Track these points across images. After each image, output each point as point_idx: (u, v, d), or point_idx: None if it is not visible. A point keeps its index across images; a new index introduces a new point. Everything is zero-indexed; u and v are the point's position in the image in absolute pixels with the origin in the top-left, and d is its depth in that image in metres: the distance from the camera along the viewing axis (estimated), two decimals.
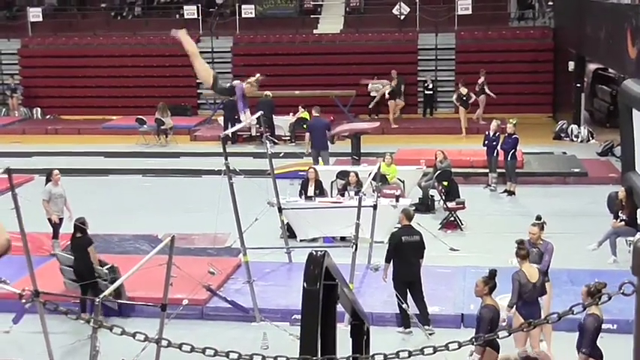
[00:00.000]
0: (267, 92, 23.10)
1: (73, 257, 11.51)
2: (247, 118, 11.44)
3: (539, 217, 10.92)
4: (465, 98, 23.50)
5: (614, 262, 13.06)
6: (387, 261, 10.88)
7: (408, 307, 10.62)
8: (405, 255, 10.72)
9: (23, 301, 9.39)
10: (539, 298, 9.55)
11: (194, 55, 10.91)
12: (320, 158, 19.21)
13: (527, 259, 9.47)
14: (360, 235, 11.59)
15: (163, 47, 28.48)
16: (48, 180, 13.93)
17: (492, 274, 8.82)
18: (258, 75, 11.20)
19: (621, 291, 4.27)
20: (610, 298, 4.42)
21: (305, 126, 21.89)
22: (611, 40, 18.52)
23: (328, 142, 19.61)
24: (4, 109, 28.82)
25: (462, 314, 11.17)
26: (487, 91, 24.16)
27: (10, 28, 29.86)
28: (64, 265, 11.85)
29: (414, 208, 15.42)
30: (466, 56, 26.66)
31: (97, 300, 8.18)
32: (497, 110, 23.66)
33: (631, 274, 4.15)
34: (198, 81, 28.20)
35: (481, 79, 24.24)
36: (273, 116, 22.60)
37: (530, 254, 10.01)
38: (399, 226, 11.39)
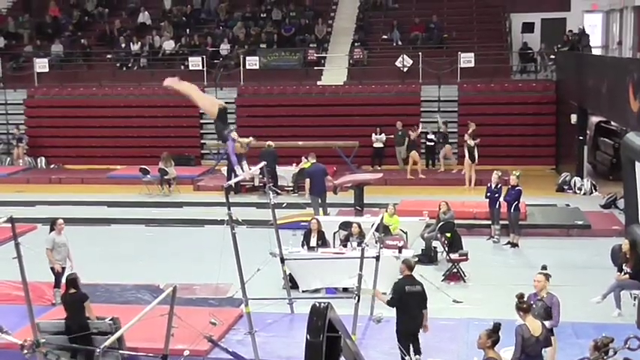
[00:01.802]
0: (270, 142, 23.22)
1: (63, 319, 10.99)
2: (245, 171, 11.61)
3: (544, 267, 10.84)
4: (471, 150, 23.47)
5: (618, 315, 12.94)
6: (390, 305, 10.79)
7: (411, 359, 10.50)
8: (408, 306, 10.61)
9: (25, 351, 9.32)
10: (543, 350, 9.46)
11: (191, 90, 11.05)
12: (320, 208, 19.26)
13: (529, 313, 9.38)
14: (363, 286, 11.52)
15: (168, 98, 28.65)
16: (52, 229, 13.94)
17: (496, 327, 8.74)
18: (251, 138, 11.40)
19: (627, 345, 4.25)
20: (616, 353, 4.39)
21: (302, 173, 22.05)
22: (612, 94, 18.64)
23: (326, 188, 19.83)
24: (8, 159, 28.95)
25: None
26: (467, 138, 23.95)
27: (17, 78, 30.13)
28: (49, 334, 10.53)
29: (416, 259, 15.43)
30: (468, 108, 26.80)
31: (98, 351, 8.12)
32: (500, 162, 23.74)
33: (636, 327, 4.13)
34: (202, 131, 28.49)
35: (470, 130, 24.09)
36: (276, 167, 22.68)
37: (535, 306, 9.94)
38: (401, 276, 11.30)
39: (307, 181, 19.93)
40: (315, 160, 20.96)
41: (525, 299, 9.58)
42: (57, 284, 13.82)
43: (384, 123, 26.36)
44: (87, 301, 11.02)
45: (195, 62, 28.67)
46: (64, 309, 11.08)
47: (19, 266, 9.32)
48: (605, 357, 4.88)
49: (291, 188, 23.37)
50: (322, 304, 4.09)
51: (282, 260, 13.46)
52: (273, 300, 13.16)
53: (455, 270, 15.40)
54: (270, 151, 22.64)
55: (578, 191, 22.97)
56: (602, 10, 31.64)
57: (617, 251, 14.00)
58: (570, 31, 28.08)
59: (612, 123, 23.75)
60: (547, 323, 9.74)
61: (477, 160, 23.50)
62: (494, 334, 8.68)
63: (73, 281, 11.11)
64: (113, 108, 28.57)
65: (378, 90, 27.90)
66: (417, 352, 10.68)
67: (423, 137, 26.45)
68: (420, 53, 27.70)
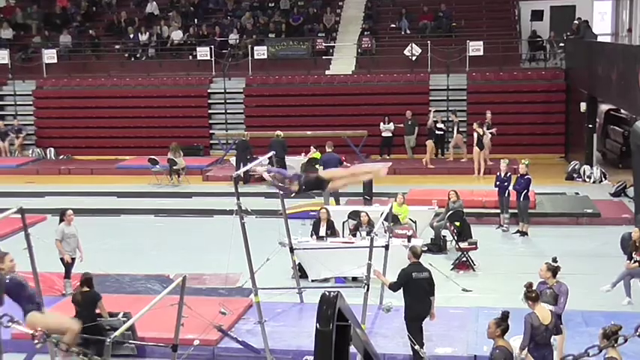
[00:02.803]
0: (279, 132, 23.23)
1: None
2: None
3: (554, 260, 10.80)
4: (481, 138, 23.41)
5: (628, 303, 12.95)
6: (393, 289, 10.81)
7: (422, 347, 10.49)
8: (417, 292, 10.62)
9: (35, 341, 9.35)
10: (552, 338, 9.45)
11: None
12: (332, 198, 19.24)
13: (538, 301, 9.37)
14: (372, 275, 11.54)
15: (176, 88, 28.75)
16: (61, 220, 13.97)
17: (505, 315, 8.75)
18: None
19: (637, 333, 4.24)
20: (626, 341, 4.38)
21: (315, 163, 21.98)
22: (622, 82, 18.57)
23: None
24: (16, 150, 28.99)
25: (475, 356, 11.05)
26: (484, 129, 23.83)
27: (26, 69, 30.17)
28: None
29: (426, 248, 15.44)
30: (477, 97, 26.74)
31: (108, 341, 8.15)
32: (509, 151, 23.69)
33: None
34: (210, 121, 28.50)
35: (487, 118, 24.01)
36: (285, 156, 22.67)
37: (544, 295, 9.94)
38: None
39: (320, 168, 19.86)
40: (331, 150, 20.91)
41: (534, 288, 9.57)
42: (67, 275, 13.87)
43: (393, 112, 26.33)
44: (100, 300, 11.00)
45: (203, 52, 28.65)
46: (74, 306, 11.07)
47: (30, 257, 9.37)
48: (615, 345, 4.88)
49: None
50: (332, 293, 4.09)
51: (292, 250, 13.47)
52: (282, 289, 13.18)
53: (464, 259, 15.40)
54: (279, 141, 22.64)
55: (587, 179, 22.91)
56: None
57: (627, 239, 13.97)
58: (579, 18, 27.94)
59: (622, 111, 23.67)
60: (552, 308, 9.73)
61: (485, 148, 23.43)
62: (502, 322, 8.69)
63: (88, 280, 11.05)
64: (122, 98, 28.60)
65: (387, 79, 27.86)
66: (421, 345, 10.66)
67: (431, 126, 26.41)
68: (428, 42, 27.61)
